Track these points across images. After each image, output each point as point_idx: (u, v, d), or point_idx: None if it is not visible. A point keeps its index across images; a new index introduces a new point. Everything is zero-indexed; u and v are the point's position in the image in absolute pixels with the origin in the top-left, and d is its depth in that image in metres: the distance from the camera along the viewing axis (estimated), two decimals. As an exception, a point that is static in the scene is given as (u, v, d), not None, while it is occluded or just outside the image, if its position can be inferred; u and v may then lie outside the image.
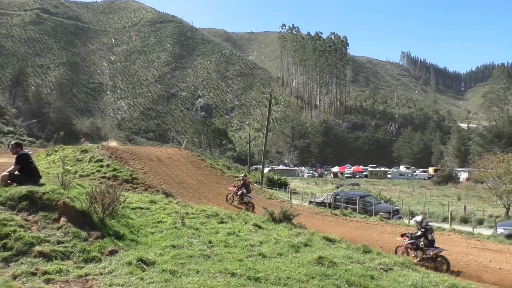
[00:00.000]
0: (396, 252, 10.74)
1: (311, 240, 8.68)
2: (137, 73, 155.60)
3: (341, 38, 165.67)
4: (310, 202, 27.46)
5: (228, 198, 18.72)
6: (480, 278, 9.54)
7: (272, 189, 34.74)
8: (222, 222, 9.68)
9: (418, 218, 11.25)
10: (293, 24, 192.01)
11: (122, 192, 9.04)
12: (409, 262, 7.71)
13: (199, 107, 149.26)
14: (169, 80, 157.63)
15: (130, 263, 5.86)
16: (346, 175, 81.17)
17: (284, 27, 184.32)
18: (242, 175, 20.75)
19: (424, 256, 10.43)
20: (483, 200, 34.72)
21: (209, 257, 6.72)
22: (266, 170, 53.12)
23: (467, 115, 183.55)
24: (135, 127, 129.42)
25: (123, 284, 5.17)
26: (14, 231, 6.12)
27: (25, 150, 8.88)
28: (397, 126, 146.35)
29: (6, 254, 5.68)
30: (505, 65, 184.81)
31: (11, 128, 60.75)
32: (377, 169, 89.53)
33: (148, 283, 5.25)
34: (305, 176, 79.48)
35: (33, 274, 5.28)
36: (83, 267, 5.71)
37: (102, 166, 18.25)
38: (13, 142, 9.14)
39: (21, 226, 6.36)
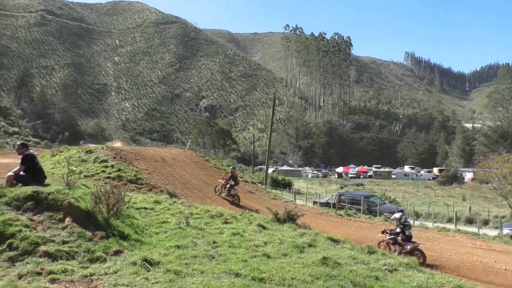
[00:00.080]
0: (378, 246, 11.10)
1: (316, 241, 8.66)
2: (141, 74, 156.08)
3: (345, 38, 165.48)
4: (315, 202, 27.40)
5: (217, 189, 19.57)
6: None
7: (276, 189, 34.69)
8: (226, 223, 9.69)
9: (397, 215, 11.86)
10: (296, 25, 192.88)
11: (127, 192, 9.07)
12: (414, 263, 7.68)
13: (203, 107, 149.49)
14: (173, 81, 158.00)
15: (134, 263, 5.87)
16: (350, 175, 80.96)
17: (287, 28, 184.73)
18: (231, 167, 21.98)
19: (402, 250, 11.03)
20: (488, 200, 34.47)
21: (214, 258, 6.72)
22: (270, 170, 53.09)
23: (472, 115, 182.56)
24: (140, 128, 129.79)
25: (127, 284, 5.18)
26: (20, 231, 6.15)
27: (31, 151, 8.91)
28: (402, 126, 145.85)
29: (12, 253, 5.71)
30: (510, 65, 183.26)
31: (17, 129, 61.13)
32: (381, 169, 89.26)
33: (152, 283, 5.26)
34: (309, 176, 79.34)
35: (39, 273, 5.30)
36: (88, 267, 5.73)
37: (106, 167, 18.30)
38: (18, 143, 9.18)
39: (27, 226, 6.39)
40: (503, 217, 25.33)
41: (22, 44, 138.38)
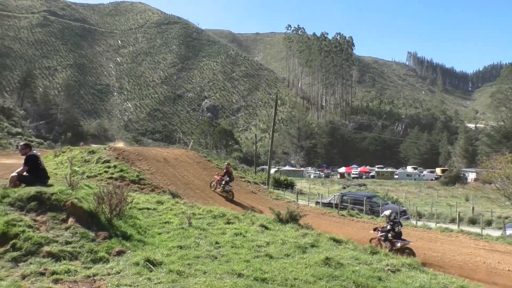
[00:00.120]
0: (370, 243, 11.17)
1: (318, 241, 8.65)
2: (144, 75, 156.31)
3: (347, 38, 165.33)
4: (317, 202, 27.38)
5: (212, 185, 20.00)
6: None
7: (279, 189, 34.69)
8: (228, 223, 9.69)
9: (387, 212, 12.12)
10: (298, 25, 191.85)
11: (129, 192, 9.08)
12: (416, 263, 7.66)
13: (205, 108, 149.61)
14: (175, 81, 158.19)
15: (137, 264, 5.88)
16: (352, 175, 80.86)
17: (289, 28, 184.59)
18: (226, 163, 22.62)
19: (393, 248, 11.17)
20: (491, 201, 34.32)
21: (216, 258, 6.72)
22: (272, 170, 53.06)
23: (474, 115, 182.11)
24: (142, 128, 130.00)
25: (130, 284, 5.19)
26: (23, 231, 6.18)
27: (34, 151, 8.94)
28: (404, 126, 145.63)
29: (15, 254, 5.73)
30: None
31: (20, 130, 61.37)
32: (384, 169, 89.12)
33: (155, 284, 5.26)
34: (312, 176, 79.30)
35: (42, 274, 5.32)
36: (91, 267, 5.74)
37: (109, 167, 18.35)
38: (22, 143, 9.21)
39: (30, 226, 6.41)
40: (506, 217, 25.28)
41: (24, 45, 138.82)
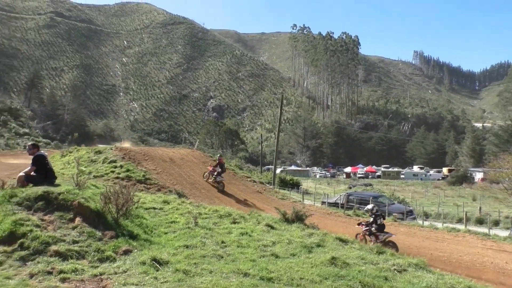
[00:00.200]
0: (356, 238, 11.38)
1: (324, 241, 8.63)
2: (149, 75, 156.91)
3: (353, 37, 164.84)
4: (323, 202, 27.32)
5: (204, 176, 20.73)
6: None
7: (284, 189, 34.66)
8: (234, 222, 9.70)
9: (369, 206, 12.76)
10: (304, 24, 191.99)
11: (136, 192, 9.12)
12: (423, 263, 7.62)
13: (211, 108, 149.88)
14: (181, 81, 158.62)
15: (144, 263, 5.90)
16: (358, 175, 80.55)
17: (295, 28, 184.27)
18: (218, 155, 23.61)
19: (377, 241, 11.53)
20: (499, 201, 34.08)
21: (222, 257, 6.74)
22: (278, 170, 53.04)
23: (481, 114, 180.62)
24: (148, 128, 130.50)
25: (137, 284, 5.21)
26: (31, 230, 6.23)
27: (41, 151, 9.00)
28: (410, 126, 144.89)
29: (23, 253, 5.79)
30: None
31: (27, 130, 61.94)
32: (390, 169, 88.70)
33: (161, 283, 5.28)
34: (318, 176, 79.13)
35: (49, 273, 5.36)
36: (98, 267, 5.78)
37: (115, 167, 18.43)
38: (30, 143, 9.27)
39: (37, 226, 6.46)
40: (514, 217, 25.03)
41: (31, 46, 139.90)
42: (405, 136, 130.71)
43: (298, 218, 10.79)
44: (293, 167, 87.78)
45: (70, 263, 5.71)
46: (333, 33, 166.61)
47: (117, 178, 16.94)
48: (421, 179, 72.87)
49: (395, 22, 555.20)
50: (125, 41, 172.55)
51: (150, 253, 6.33)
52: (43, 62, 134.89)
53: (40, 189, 7.44)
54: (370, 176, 79.64)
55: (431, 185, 60.10)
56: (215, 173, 20.10)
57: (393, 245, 11.46)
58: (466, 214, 21.54)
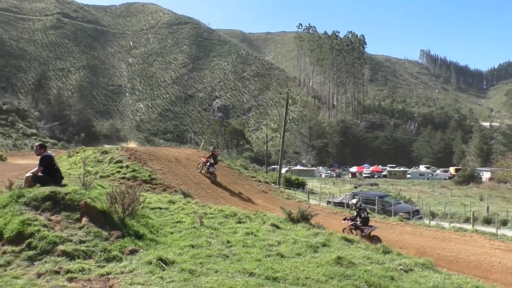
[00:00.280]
0: (343, 233, 11.47)
1: (330, 240, 8.61)
2: (155, 75, 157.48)
3: (359, 36, 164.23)
4: (328, 202, 27.29)
5: (198, 167, 21.38)
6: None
7: (290, 189, 34.64)
8: (240, 222, 9.70)
9: (354, 200, 13.37)
10: (309, 24, 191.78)
11: (142, 192, 9.15)
12: (430, 263, 7.58)
13: (216, 108, 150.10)
14: (186, 81, 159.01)
15: (150, 263, 5.93)
16: (364, 175, 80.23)
17: (300, 27, 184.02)
18: (211, 147, 24.56)
19: (363, 234, 11.90)
20: (506, 200, 33.86)
21: (228, 257, 6.74)
22: (283, 170, 53.01)
23: (489, 113, 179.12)
24: (154, 128, 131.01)
25: (143, 283, 5.24)
26: (38, 230, 6.28)
27: (49, 152, 9.05)
28: (417, 125, 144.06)
29: (31, 253, 5.84)
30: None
31: (34, 130, 62.47)
32: (396, 169, 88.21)
33: (167, 282, 5.30)
34: (323, 176, 78.95)
35: (57, 272, 5.40)
36: (104, 266, 5.81)
37: (121, 167, 18.50)
38: (37, 144, 9.33)
39: (45, 225, 6.52)
40: (522, 217, 24.80)
41: (38, 47, 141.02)
42: (412, 135, 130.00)
43: (304, 217, 10.77)
44: (298, 167, 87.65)
45: (77, 262, 5.75)
46: (338, 32, 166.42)
47: (123, 178, 17.01)
48: (428, 179, 72.37)
49: (401, 21, 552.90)
50: (131, 42, 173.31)
51: (156, 253, 6.35)
52: (50, 63, 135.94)
53: (47, 189, 7.50)
54: (376, 176, 79.31)
55: (437, 184, 59.64)
56: (208, 164, 20.73)
57: (377, 238, 11.80)
58: (473, 214, 21.38)
